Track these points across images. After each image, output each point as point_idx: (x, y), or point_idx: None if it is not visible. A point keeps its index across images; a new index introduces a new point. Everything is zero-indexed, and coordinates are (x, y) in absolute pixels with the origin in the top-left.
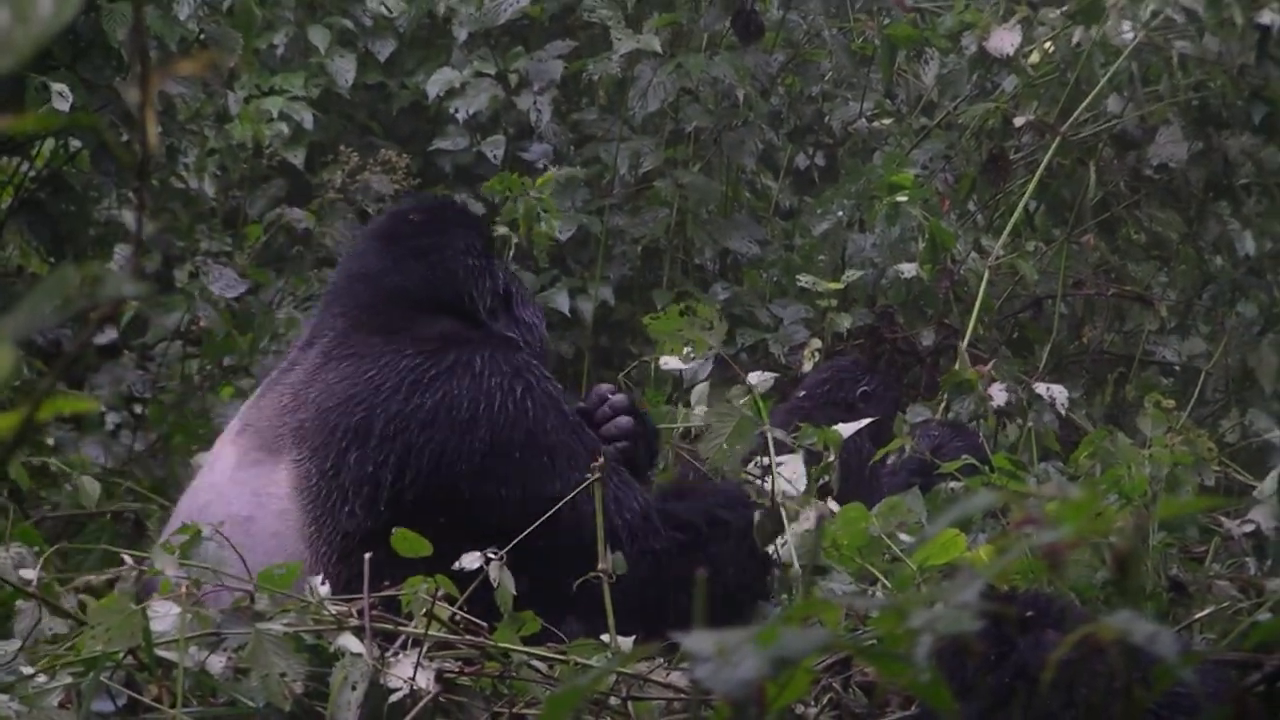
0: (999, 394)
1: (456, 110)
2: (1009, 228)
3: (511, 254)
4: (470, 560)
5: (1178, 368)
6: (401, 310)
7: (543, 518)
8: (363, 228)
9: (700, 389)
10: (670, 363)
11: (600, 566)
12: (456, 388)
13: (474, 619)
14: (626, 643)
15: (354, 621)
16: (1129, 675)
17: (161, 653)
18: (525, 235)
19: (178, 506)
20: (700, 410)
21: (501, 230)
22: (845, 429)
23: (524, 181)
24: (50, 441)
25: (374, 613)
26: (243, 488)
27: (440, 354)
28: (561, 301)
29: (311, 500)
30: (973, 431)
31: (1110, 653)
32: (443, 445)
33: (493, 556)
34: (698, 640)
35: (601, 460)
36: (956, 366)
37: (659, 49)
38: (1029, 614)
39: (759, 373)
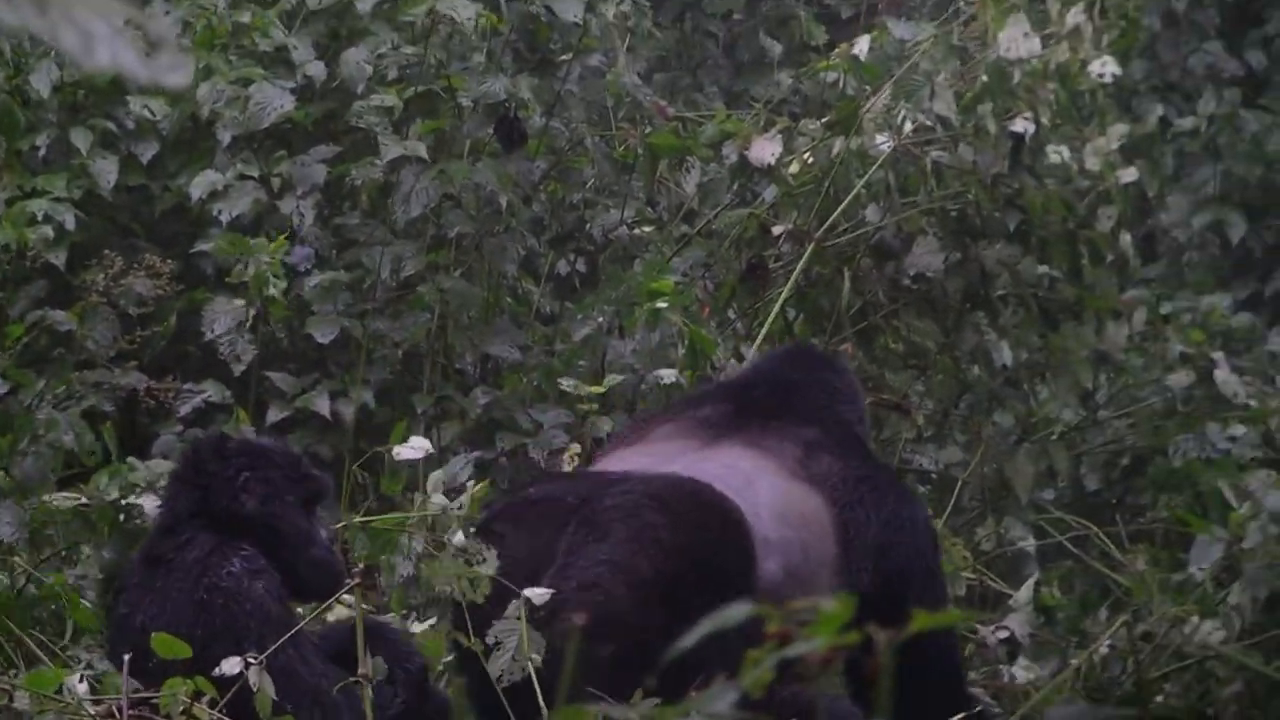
0: None
1: (219, 212)
2: (765, 334)
3: (249, 325)
4: (230, 665)
5: (934, 476)
6: None
7: None
8: None
9: (435, 476)
10: (405, 453)
11: (361, 670)
12: None
13: None
14: None
15: None
16: None
17: None
18: (260, 303)
19: None
20: (437, 499)
21: (239, 303)
22: None
23: (254, 244)
24: None
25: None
26: None
27: None
28: (322, 404)
29: None
30: None
31: None
32: None
33: (252, 661)
34: None
35: None
36: None
37: (424, 155)
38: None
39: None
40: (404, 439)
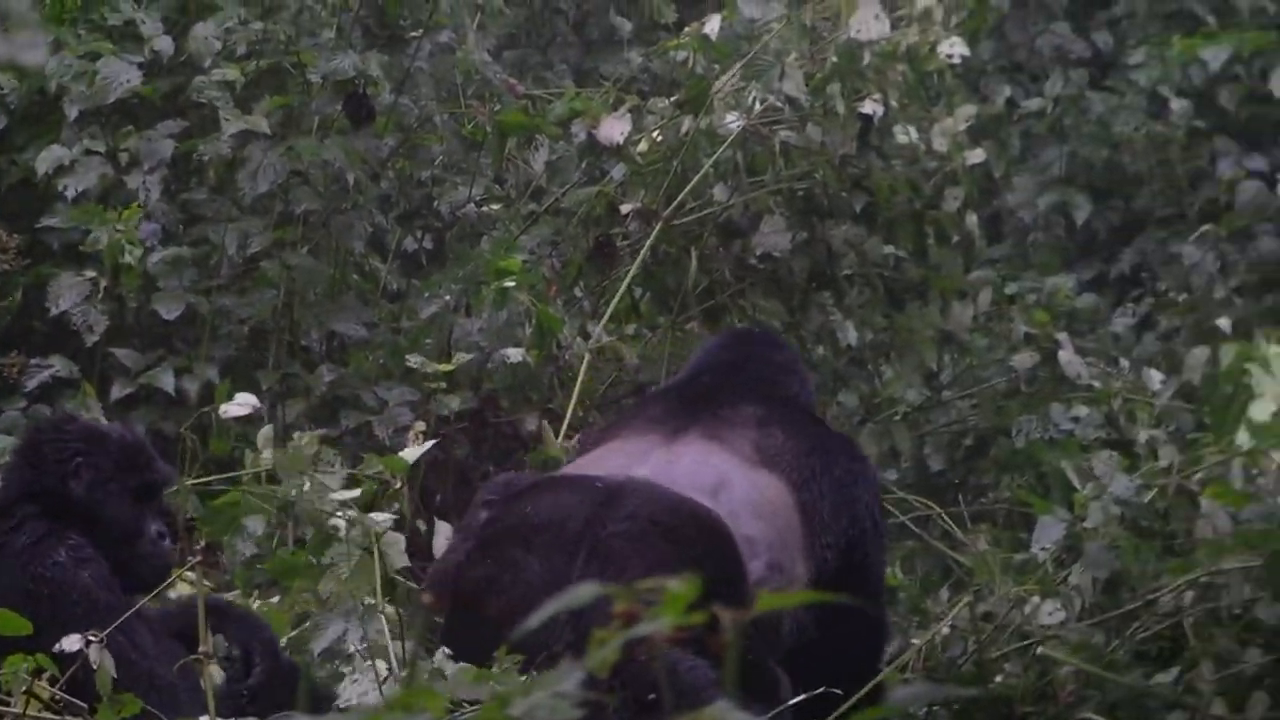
0: None
1: (65, 188)
2: (612, 313)
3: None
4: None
5: None
6: None
7: None
8: None
9: (265, 432)
10: (232, 410)
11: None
12: None
13: (74, 699)
14: None
15: None
16: None
17: None
18: (111, 273)
19: None
20: (268, 454)
21: (88, 275)
22: (410, 453)
23: (108, 214)
24: None
25: None
26: None
27: None
28: (166, 381)
29: None
30: None
31: None
32: None
33: (93, 639)
34: None
35: None
36: (544, 443)
37: (268, 130)
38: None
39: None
40: (229, 398)
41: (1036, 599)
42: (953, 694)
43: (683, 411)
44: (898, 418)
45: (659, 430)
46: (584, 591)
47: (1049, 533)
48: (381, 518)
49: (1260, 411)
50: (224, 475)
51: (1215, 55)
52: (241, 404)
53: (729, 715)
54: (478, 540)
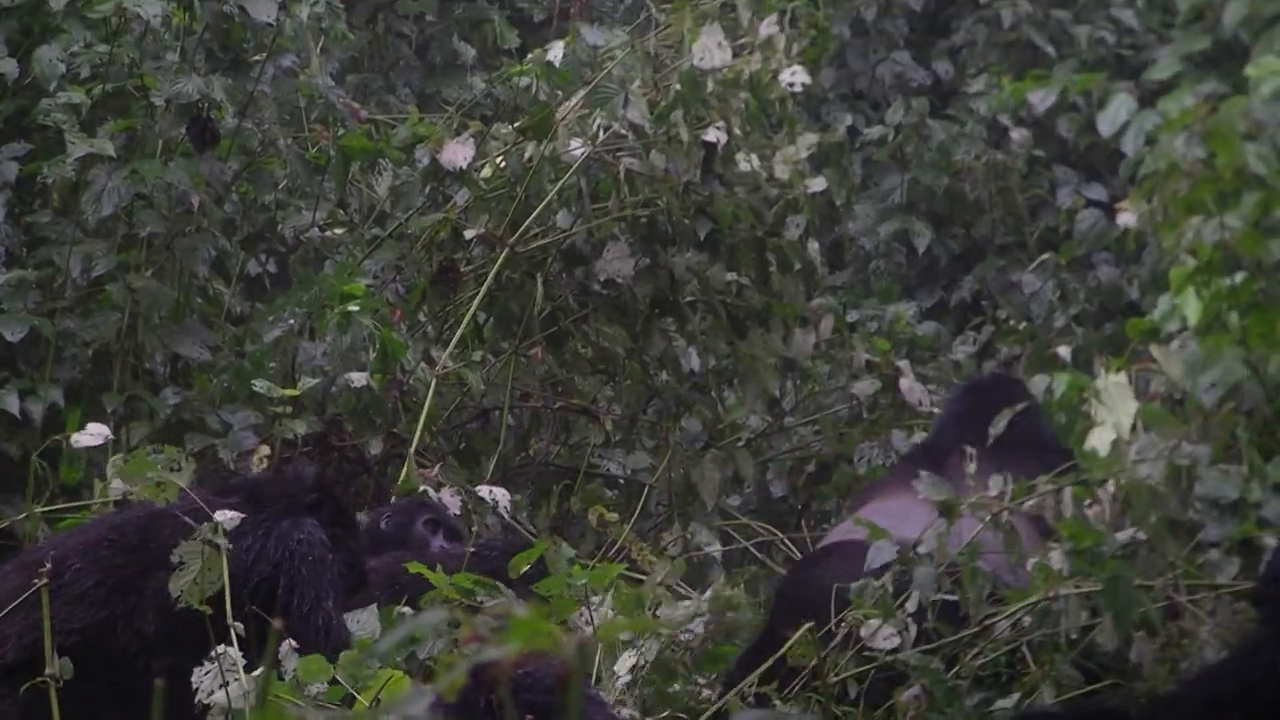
0: (450, 499)
1: None
2: (457, 338)
3: None
4: None
5: (622, 480)
6: None
7: None
8: None
9: (115, 461)
10: (83, 439)
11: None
12: None
13: None
14: None
15: None
16: None
17: None
18: None
19: None
20: (118, 484)
21: None
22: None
23: None
24: None
25: None
26: None
27: None
28: (11, 403)
29: None
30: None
31: None
32: None
33: None
34: None
35: None
36: (405, 473)
37: (113, 153)
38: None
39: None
40: (81, 427)
41: (875, 622)
42: (795, 718)
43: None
44: (740, 444)
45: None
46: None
47: (881, 556)
48: (229, 515)
49: (1099, 440)
50: (73, 504)
51: (1043, 98)
52: (93, 434)
53: None
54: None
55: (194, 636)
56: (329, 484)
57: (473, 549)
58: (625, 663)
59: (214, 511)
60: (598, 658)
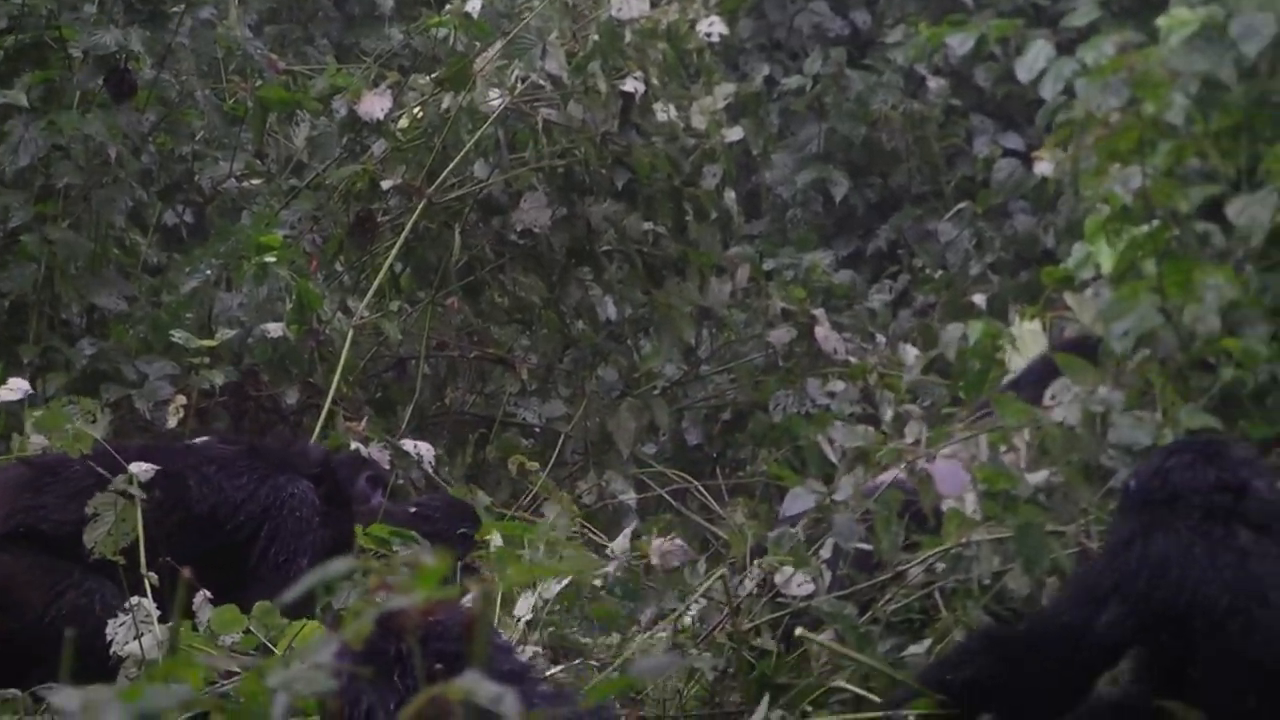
0: (377, 454)
1: None
2: (374, 289)
3: None
4: None
5: (538, 429)
6: None
7: None
8: None
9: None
10: (3, 394)
11: None
12: None
13: None
14: None
15: None
16: None
17: None
18: None
19: None
20: (38, 439)
21: None
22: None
23: None
24: None
25: None
26: None
27: None
28: None
29: None
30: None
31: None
32: None
33: None
34: (64, 696)
35: None
36: (321, 426)
37: (29, 105)
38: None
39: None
40: (2, 381)
41: (789, 570)
42: (701, 663)
43: None
44: (656, 392)
45: None
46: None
47: (798, 504)
48: (143, 468)
49: None
50: None
51: (961, 42)
52: (13, 389)
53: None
54: None
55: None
56: (335, 464)
57: (414, 509)
58: (525, 604)
59: (224, 455)
60: (498, 603)
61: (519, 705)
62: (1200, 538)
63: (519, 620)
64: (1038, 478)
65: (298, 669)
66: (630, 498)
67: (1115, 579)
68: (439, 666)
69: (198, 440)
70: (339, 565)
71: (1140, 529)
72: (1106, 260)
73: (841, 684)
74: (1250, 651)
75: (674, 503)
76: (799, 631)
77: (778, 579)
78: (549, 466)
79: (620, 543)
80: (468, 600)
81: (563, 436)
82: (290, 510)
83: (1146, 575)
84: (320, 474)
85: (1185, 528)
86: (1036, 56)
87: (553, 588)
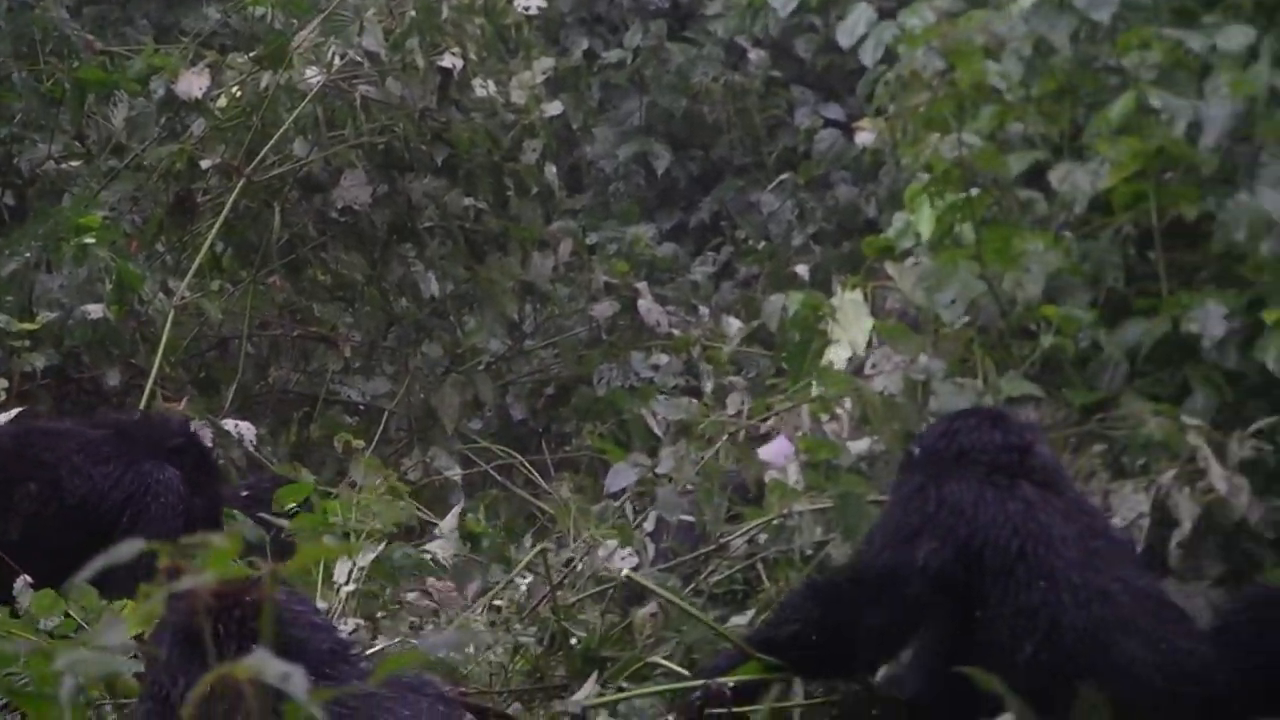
0: (203, 433)
1: None
2: (195, 268)
3: None
4: None
5: (362, 407)
6: None
7: None
8: None
9: None
10: None
11: None
12: None
13: None
14: None
15: None
16: (265, 713)
17: None
18: None
19: None
20: None
21: None
22: None
23: None
24: None
25: None
26: None
27: None
28: None
29: None
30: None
31: (247, 691)
32: None
33: None
34: None
35: None
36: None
37: None
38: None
39: None
40: None
41: (612, 543)
42: (480, 640)
43: None
44: (480, 368)
45: None
46: (125, 548)
47: (621, 479)
48: None
49: (836, 357)
50: None
51: (785, 3)
52: None
53: (266, 666)
54: None
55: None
56: (195, 433)
57: (246, 491)
58: (343, 570)
59: (91, 442)
60: (319, 574)
61: (306, 684)
62: (989, 486)
63: (338, 589)
64: (860, 447)
65: (86, 652)
66: (456, 474)
67: (919, 519)
68: (255, 647)
69: (64, 424)
70: (127, 548)
71: (930, 479)
72: (926, 228)
73: (659, 660)
74: (1034, 597)
75: (499, 478)
76: (625, 573)
77: (601, 553)
78: (373, 444)
79: (448, 520)
80: (259, 579)
81: (386, 413)
82: (155, 497)
83: (946, 513)
84: (184, 444)
85: (974, 478)
86: (857, 21)
87: (369, 553)
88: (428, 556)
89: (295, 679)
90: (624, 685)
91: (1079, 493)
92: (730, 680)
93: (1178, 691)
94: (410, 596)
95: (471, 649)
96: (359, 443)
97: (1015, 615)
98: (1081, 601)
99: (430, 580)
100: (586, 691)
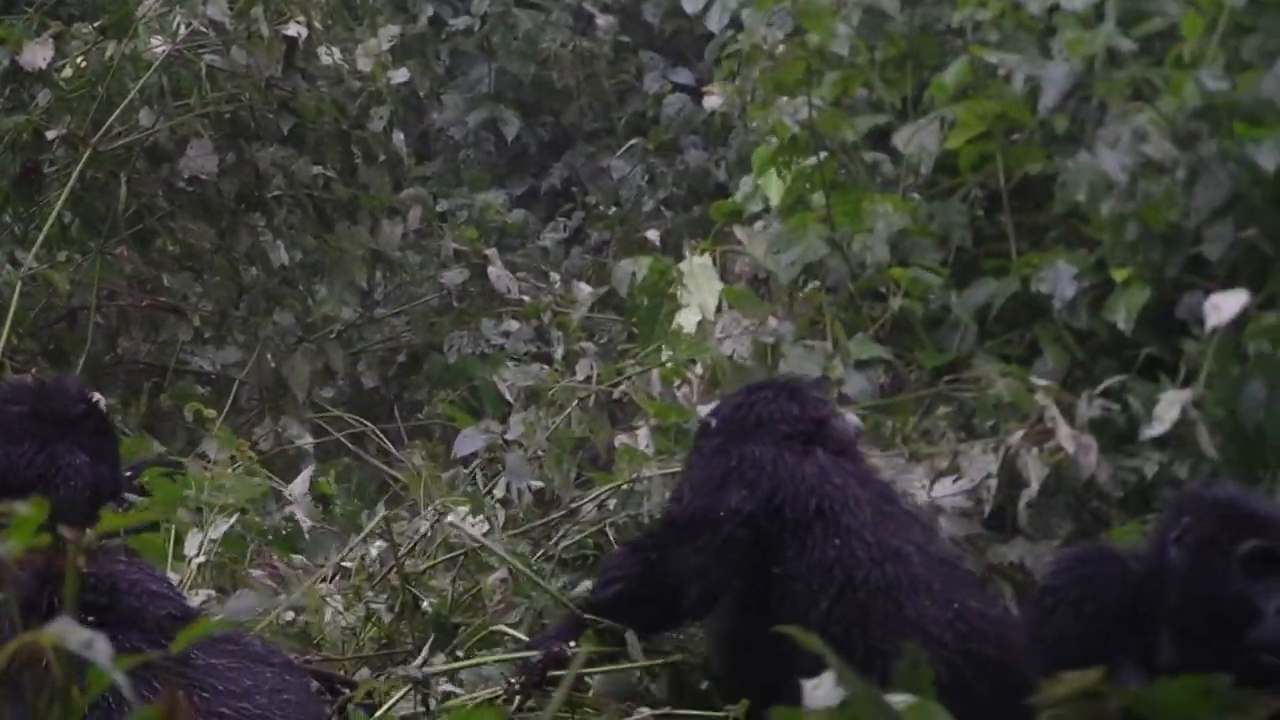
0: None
1: None
2: (41, 239)
3: None
4: None
5: (213, 376)
6: None
7: None
8: None
9: None
10: None
11: None
12: None
13: None
14: None
15: None
16: (68, 679)
17: None
18: None
19: None
20: None
21: None
22: None
23: None
24: None
25: None
26: None
27: None
28: None
29: None
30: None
31: (50, 658)
32: None
33: None
34: None
35: None
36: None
37: None
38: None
39: None
40: None
41: (464, 510)
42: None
43: None
44: (332, 336)
45: None
46: None
47: (468, 444)
48: None
49: (686, 321)
50: None
51: None
52: None
53: (69, 633)
54: None
55: None
56: (95, 400)
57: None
58: (193, 543)
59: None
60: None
61: (109, 650)
62: (786, 450)
63: (190, 562)
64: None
65: None
66: (308, 442)
67: (723, 471)
68: (89, 619)
69: None
70: None
71: (729, 440)
72: (775, 192)
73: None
74: (830, 554)
75: (351, 447)
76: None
77: (451, 519)
78: (224, 413)
79: (298, 484)
80: (65, 550)
81: (237, 383)
82: (64, 480)
83: (749, 467)
84: (87, 411)
85: (771, 442)
86: None
87: (220, 526)
88: (280, 525)
89: (98, 646)
90: (474, 652)
91: (872, 465)
92: (571, 644)
93: (969, 650)
94: (256, 574)
95: (328, 615)
96: (210, 412)
97: (812, 570)
98: (876, 559)
99: (274, 558)
100: (426, 658)
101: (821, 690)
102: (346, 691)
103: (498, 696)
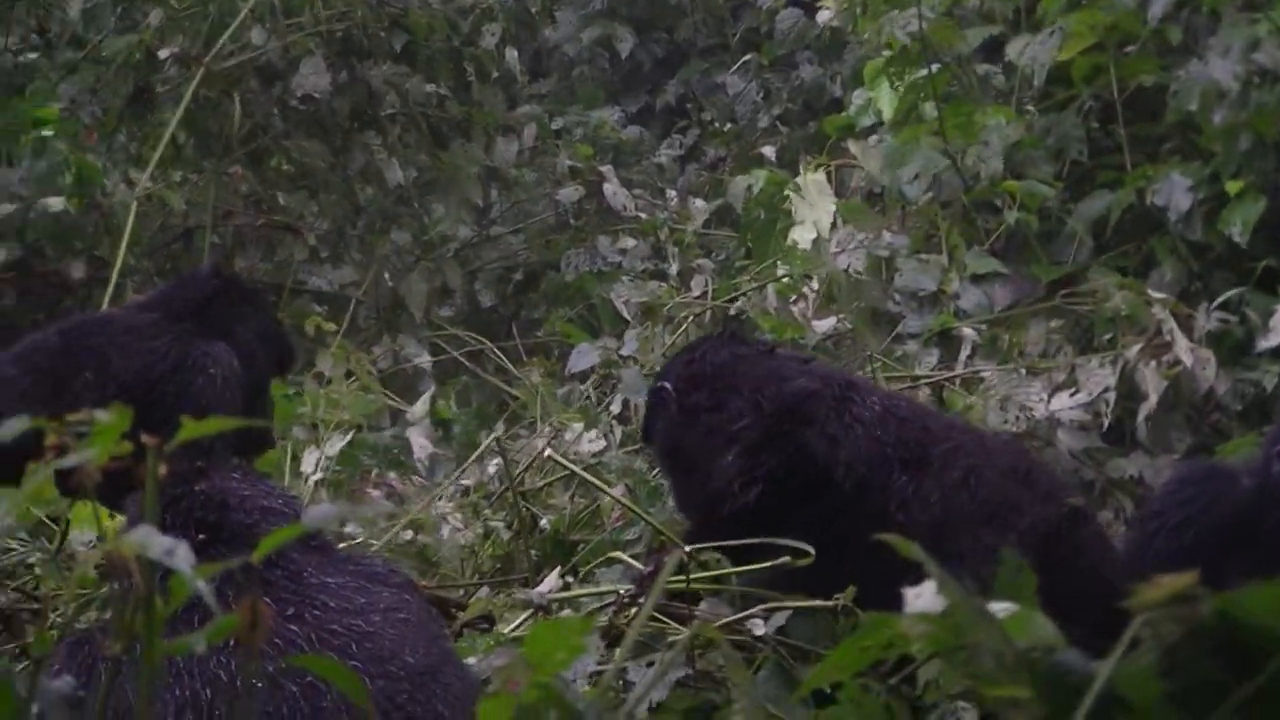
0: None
1: None
2: (156, 159)
3: None
4: None
5: (330, 295)
6: None
7: None
8: None
9: None
10: None
11: None
12: None
13: None
14: None
15: None
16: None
17: None
18: None
19: None
20: None
21: None
22: None
23: None
24: None
25: None
26: None
27: None
28: None
29: None
30: None
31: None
32: None
33: None
34: None
35: None
36: (108, 300)
37: None
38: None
39: None
40: None
41: (579, 427)
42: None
43: None
44: (449, 254)
45: None
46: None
47: (583, 360)
48: None
49: (801, 237)
50: None
51: None
52: None
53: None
54: None
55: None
56: (225, 272)
57: None
58: (310, 460)
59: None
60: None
61: (191, 559)
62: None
63: (307, 479)
64: (825, 325)
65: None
66: (426, 361)
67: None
68: (201, 537)
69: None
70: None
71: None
72: (888, 106)
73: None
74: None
75: (469, 365)
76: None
77: (567, 436)
78: (341, 332)
79: (418, 406)
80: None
81: (354, 302)
82: (199, 370)
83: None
84: (220, 287)
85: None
86: None
87: (336, 444)
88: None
89: (180, 554)
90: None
91: None
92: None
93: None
94: (374, 493)
95: (446, 533)
96: (330, 325)
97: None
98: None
99: (391, 476)
100: (549, 585)
101: (923, 598)
102: (460, 615)
103: (608, 605)
